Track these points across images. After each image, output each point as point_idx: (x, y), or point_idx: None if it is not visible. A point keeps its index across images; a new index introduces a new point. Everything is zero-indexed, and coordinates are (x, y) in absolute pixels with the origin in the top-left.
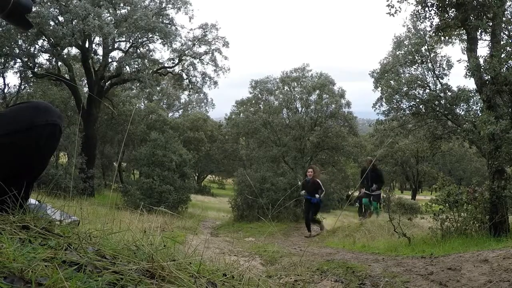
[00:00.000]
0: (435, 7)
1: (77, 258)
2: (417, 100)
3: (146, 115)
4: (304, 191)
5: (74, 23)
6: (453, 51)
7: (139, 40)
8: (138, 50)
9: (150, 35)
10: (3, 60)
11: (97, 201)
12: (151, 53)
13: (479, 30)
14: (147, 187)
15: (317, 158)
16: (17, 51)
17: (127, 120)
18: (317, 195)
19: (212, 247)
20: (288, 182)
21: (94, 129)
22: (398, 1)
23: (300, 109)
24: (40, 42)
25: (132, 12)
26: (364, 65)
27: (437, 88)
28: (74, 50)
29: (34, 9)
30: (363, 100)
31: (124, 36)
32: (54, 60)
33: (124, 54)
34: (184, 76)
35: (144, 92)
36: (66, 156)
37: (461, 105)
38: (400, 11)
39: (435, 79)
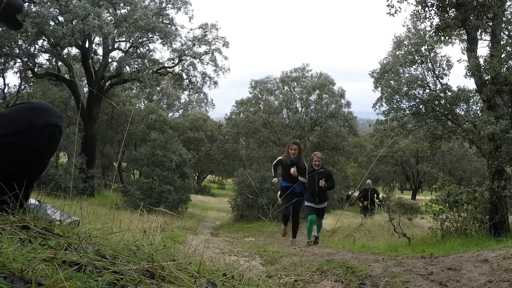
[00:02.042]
0: (435, 7)
1: (77, 258)
2: (417, 100)
3: (146, 115)
4: (275, 178)
5: (74, 23)
6: (453, 51)
7: (139, 40)
8: (138, 50)
9: (150, 35)
10: (3, 60)
11: (97, 201)
12: (151, 53)
13: (479, 30)
14: (147, 187)
15: None
16: (17, 51)
17: (127, 120)
18: (300, 178)
19: (212, 247)
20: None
21: (94, 129)
22: (398, 1)
23: (300, 109)
24: (40, 42)
25: (132, 12)
26: (364, 65)
27: (437, 88)
28: (74, 50)
29: (34, 9)
30: (363, 100)
31: (124, 36)
32: (54, 60)
33: (124, 54)
34: (184, 76)
35: (144, 92)
36: (66, 156)
37: (461, 105)
38: (400, 11)
39: (435, 79)
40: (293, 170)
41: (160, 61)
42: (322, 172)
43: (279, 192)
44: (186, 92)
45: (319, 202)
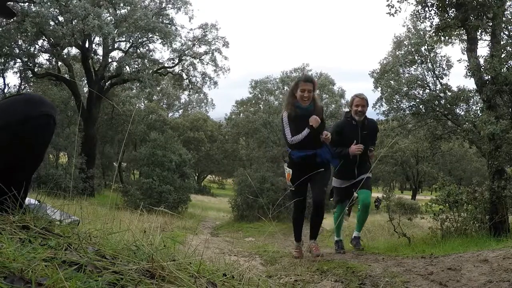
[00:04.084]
0: (435, 7)
1: (77, 258)
2: (417, 100)
3: (146, 115)
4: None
5: (74, 23)
6: (453, 51)
7: (139, 40)
8: (138, 50)
9: (150, 35)
10: (3, 60)
11: (97, 201)
12: (151, 53)
13: (479, 30)
14: (147, 187)
15: None
16: (17, 51)
17: (127, 120)
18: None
19: (212, 247)
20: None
21: (94, 129)
22: (398, 1)
23: None
24: (40, 42)
25: (132, 12)
26: (364, 65)
27: (437, 88)
28: (74, 50)
29: (34, 8)
30: None
31: (124, 36)
32: (54, 60)
33: (124, 54)
34: (184, 76)
35: (144, 92)
36: (66, 156)
37: (461, 105)
38: (400, 11)
39: (435, 79)
40: (314, 119)
41: (160, 61)
42: (367, 124)
43: (288, 170)
44: (186, 92)
45: (360, 172)
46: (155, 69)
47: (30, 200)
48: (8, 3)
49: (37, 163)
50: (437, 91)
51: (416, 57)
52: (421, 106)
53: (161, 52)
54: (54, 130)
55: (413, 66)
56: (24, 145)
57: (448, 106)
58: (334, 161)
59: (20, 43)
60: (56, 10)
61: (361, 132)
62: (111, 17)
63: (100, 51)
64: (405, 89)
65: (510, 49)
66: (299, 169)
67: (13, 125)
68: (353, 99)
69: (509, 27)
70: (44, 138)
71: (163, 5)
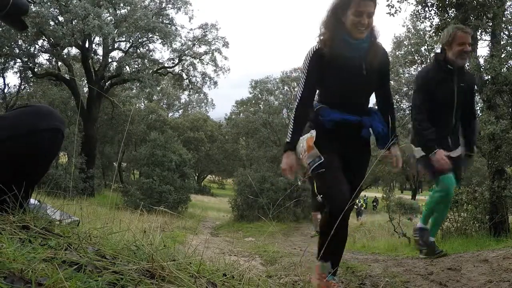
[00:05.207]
0: (435, 7)
1: (77, 258)
2: None
3: (146, 115)
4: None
5: (74, 23)
6: None
7: (139, 40)
8: (138, 50)
9: (150, 35)
10: (3, 60)
11: (97, 201)
12: (151, 53)
13: (479, 30)
14: (147, 187)
15: None
16: (17, 51)
17: (127, 120)
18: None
19: (212, 247)
20: (288, 182)
21: (94, 129)
22: (398, 1)
23: None
24: (40, 42)
25: (132, 12)
26: None
27: None
28: (74, 50)
29: (34, 8)
30: None
31: (124, 36)
32: (54, 60)
33: (124, 54)
34: (184, 76)
35: (144, 92)
36: (66, 156)
37: None
38: (400, 11)
39: None
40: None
41: (160, 61)
42: (466, 75)
43: (311, 133)
44: (186, 92)
45: (454, 143)
46: (155, 69)
47: (30, 200)
48: (22, 16)
49: (41, 175)
50: None
51: (416, 57)
52: None
53: (161, 52)
54: (61, 144)
55: (413, 66)
56: (29, 158)
57: None
58: (385, 138)
59: (20, 43)
60: (56, 10)
61: (458, 85)
62: (111, 17)
63: (100, 51)
64: (405, 89)
65: (510, 49)
66: (329, 140)
67: (20, 137)
68: (455, 33)
69: (509, 27)
70: (50, 152)
71: (163, 5)
